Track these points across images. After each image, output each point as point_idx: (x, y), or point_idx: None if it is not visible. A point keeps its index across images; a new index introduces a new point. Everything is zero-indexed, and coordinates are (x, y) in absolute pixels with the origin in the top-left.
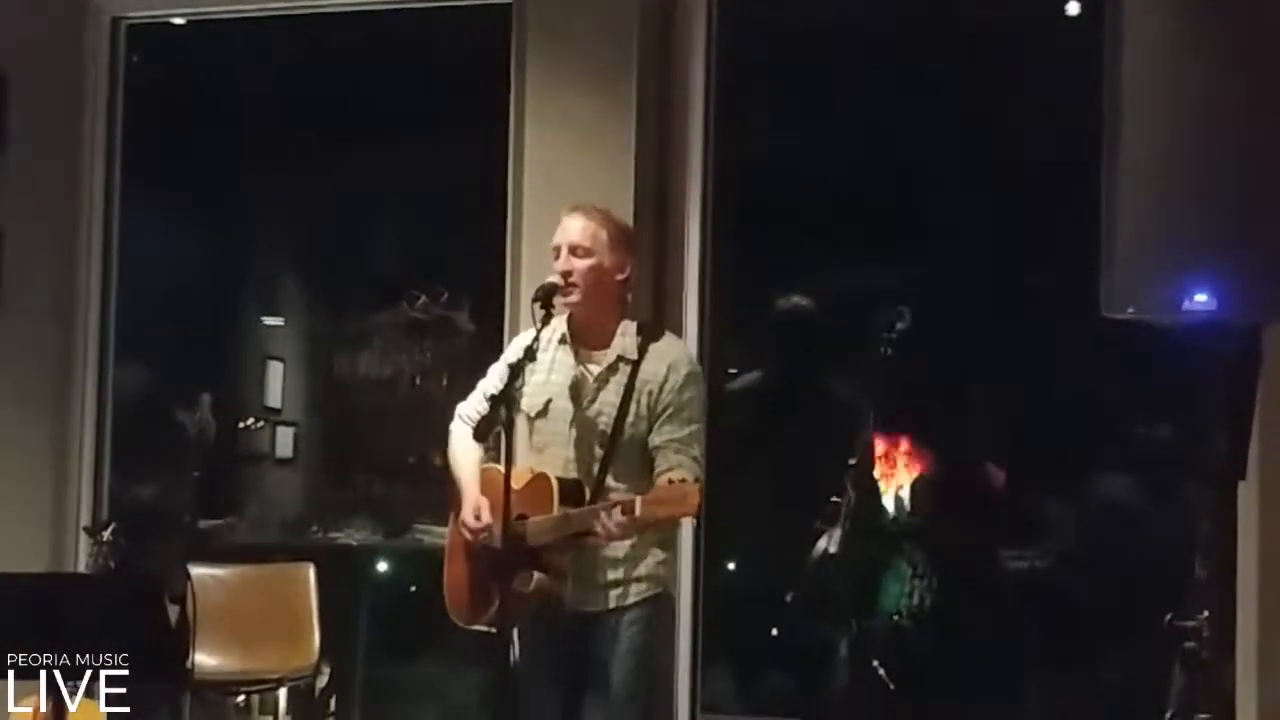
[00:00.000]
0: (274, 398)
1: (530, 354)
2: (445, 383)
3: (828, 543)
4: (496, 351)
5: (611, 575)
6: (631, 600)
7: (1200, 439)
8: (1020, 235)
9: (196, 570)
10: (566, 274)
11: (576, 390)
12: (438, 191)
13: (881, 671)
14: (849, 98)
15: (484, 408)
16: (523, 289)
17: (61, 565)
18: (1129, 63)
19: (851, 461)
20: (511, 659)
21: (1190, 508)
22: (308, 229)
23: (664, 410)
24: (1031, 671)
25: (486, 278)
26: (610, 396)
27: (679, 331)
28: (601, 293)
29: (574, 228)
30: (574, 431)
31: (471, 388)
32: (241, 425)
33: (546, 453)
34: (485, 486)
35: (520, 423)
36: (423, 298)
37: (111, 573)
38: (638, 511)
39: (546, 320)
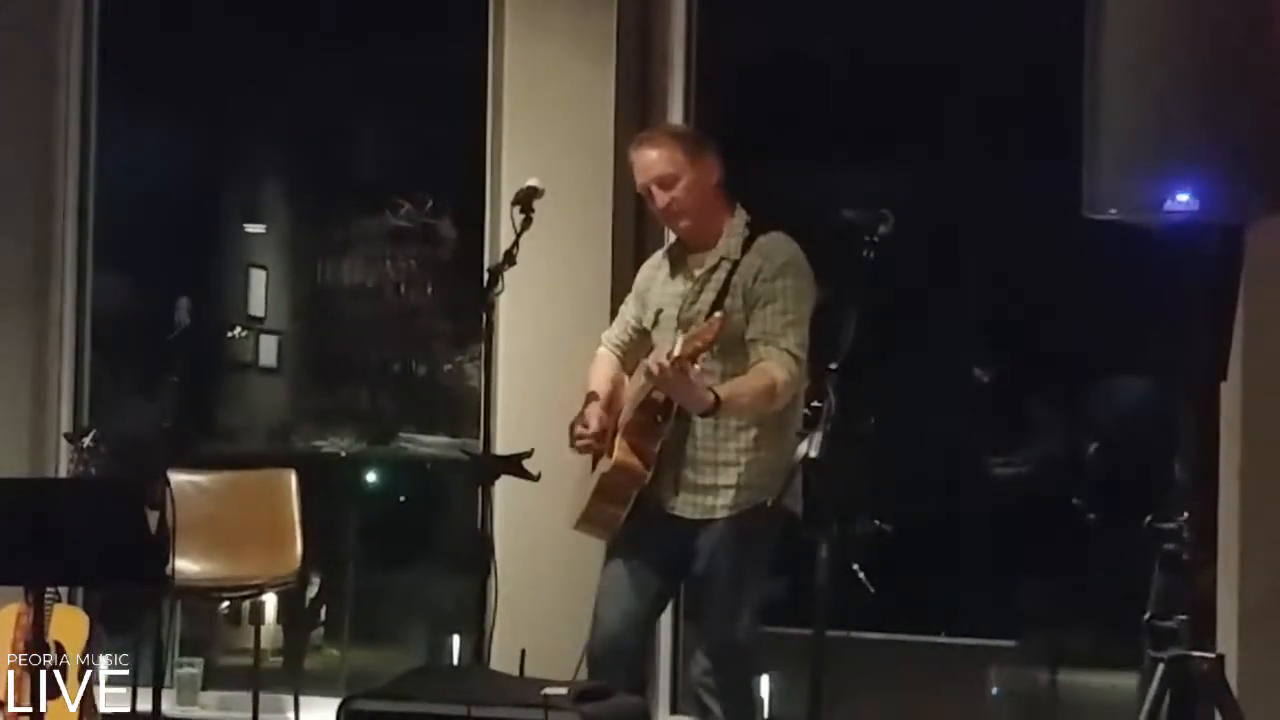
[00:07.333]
0: (257, 306)
1: (509, 258)
2: (429, 290)
3: (809, 447)
4: (479, 259)
5: (707, 479)
6: (725, 514)
7: (1182, 340)
8: (1005, 138)
9: (176, 476)
10: (668, 206)
11: (680, 296)
12: (421, 97)
13: (861, 575)
14: None
15: (614, 331)
16: (503, 194)
17: (42, 472)
18: None
19: (832, 366)
20: (493, 567)
21: (1172, 409)
22: (290, 135)
23: (757, 300)
24: (1012, 574)
25: (470, 185)
26: (710, 295)
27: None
28: (706, 203)
29: (650, 161)
30: (679, 335)
31: (454, 295)
32: (230, 335)
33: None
34: (611, 400)
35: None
36: (406, 205)
37: (91, 478)
38: (677, 350)
39: (526, 224)
